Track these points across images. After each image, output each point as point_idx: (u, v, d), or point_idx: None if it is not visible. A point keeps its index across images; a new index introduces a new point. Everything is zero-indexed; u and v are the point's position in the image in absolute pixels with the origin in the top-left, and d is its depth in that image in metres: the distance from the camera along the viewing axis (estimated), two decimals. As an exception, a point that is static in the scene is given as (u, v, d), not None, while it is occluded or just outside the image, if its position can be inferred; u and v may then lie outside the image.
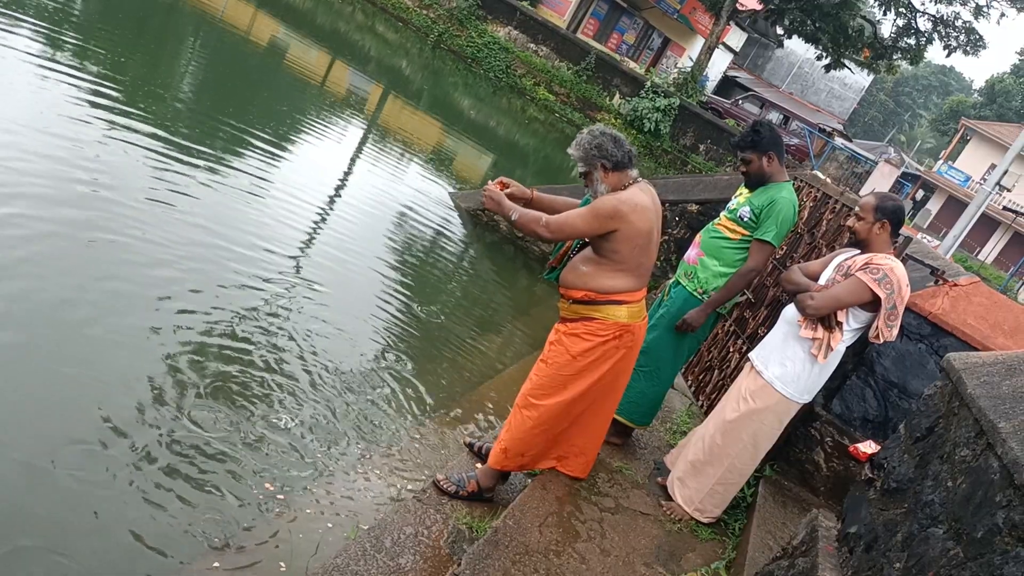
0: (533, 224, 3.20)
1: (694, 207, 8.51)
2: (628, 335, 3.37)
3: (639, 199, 3.24)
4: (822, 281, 3.74)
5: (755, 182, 4.11)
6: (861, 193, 22.10)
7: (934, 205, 41.52)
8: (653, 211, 3.31)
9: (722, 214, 4.24)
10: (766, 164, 4.06)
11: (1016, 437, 1.86)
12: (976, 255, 37.21)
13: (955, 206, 39.85)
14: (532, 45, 23.92)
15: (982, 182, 40.43)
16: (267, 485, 3.55)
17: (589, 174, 3.31)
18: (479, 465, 3.90)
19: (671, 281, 4.40)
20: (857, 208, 3.69)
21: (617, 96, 23.49)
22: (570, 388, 3.38)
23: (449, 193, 9.70)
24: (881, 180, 23.58)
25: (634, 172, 3.33)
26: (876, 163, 28.56)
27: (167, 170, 6.13)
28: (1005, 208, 35.98)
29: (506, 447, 3.51)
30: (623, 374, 3.50)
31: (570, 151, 3.33)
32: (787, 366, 3.65)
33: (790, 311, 3.75)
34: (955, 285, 4.09)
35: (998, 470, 1.84)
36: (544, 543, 3.19)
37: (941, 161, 46.84)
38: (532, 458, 3.58)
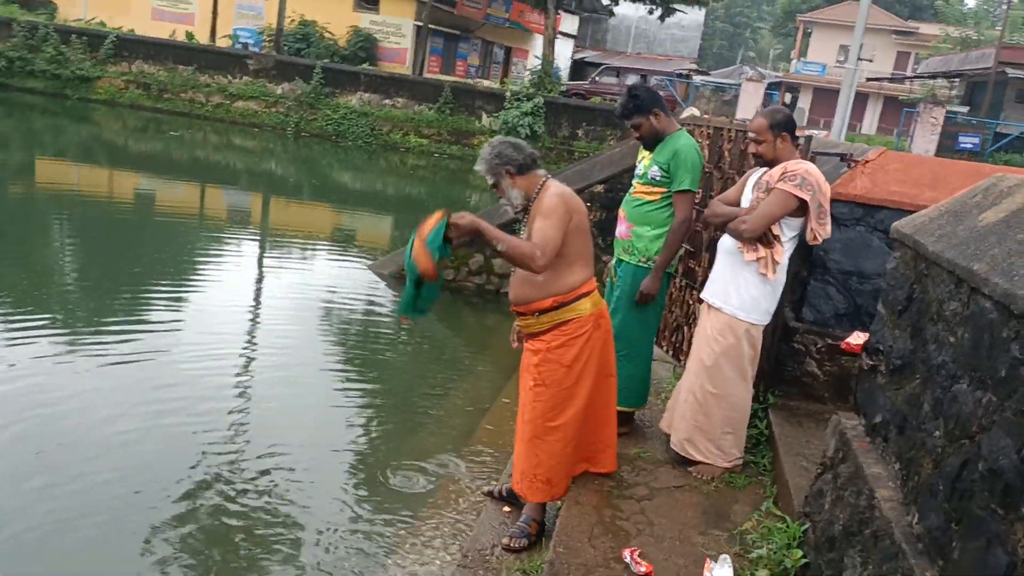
0: (527, 258, 3.09)
1: (600, 187, 8.62)
2: (602, 319, 3.45)
3: (565, 188, 3.34)
4: (744, 204, 3.83)
5: (652, 142, 4.17)
6: (738, 115, 22.80)
7: (805, 102, 43.04)
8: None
9: (634, 182, 4.29)
10: (655, 122, 4.13)
11: (995, 272, 1.90)
12: (859, 132, 38.68)
13: (825, 95, 41.45)
14: (387, 101, 24.00)
15: (839, 64, 42.16)
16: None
17: (498, 185, 3.37)
18: (504, 505, 3.85)
19: (612, 262, 4.42)
20: (752, 134, 3.78)
21: (484, 116, 23.72)
22: (579, 394, 3.39)
23: (367, 266, 9.61)
24: (751, 98, 24.36)
25: (541, 171, 3.37)
26: (739, 85, 29.49)
27: (80, 354, 5.93)
28: (869, 79, 37.52)
29: (548, 478, 3.46)
30: (611, 355, 3.55)
31: (477, 168, 3.39)
32: (743, 294, 3.72)
33: (726, 242, 3.82)
34: (867, 162, 4.22)
35: (992, 308, 1.87)
36: (601, 555, 3.13)
37: (795, 60, 48.72)
38: (569, 474, 3.57)
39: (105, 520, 3.97)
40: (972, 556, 1.76)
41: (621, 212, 4.32)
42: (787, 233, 3.64)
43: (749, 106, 24.06)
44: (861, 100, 41.03)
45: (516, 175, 3.32)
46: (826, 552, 2.52)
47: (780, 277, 3.69)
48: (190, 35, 27.57)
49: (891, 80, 39.71)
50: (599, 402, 3.52)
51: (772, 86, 36.93)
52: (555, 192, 3.26)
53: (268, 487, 4.37)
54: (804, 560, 2.62)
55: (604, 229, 8.82)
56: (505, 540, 3.54)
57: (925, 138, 21.87)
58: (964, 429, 1.92)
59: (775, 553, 2.73)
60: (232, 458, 4.67)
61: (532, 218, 3.29)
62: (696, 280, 5.14)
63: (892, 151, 4.34)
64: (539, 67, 26.56)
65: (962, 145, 24.36)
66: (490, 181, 3.39)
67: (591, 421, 3.53)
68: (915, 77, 38.44)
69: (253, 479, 4.44)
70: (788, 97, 45.58)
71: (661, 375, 5.17)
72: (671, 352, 5.43)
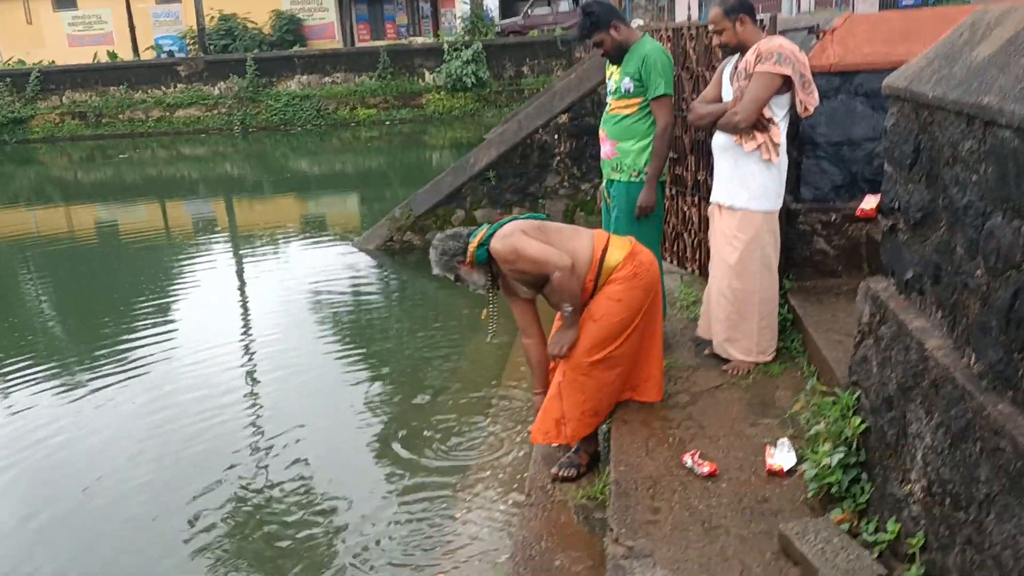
0: (565, 283, 3.32)
1: (564, 117, 8.55)
2: (639, 254, 3.49)
3: (500, 232, 3.43)
4: (727, 98, 3.81)
5: (617, 55, 4.12)
6: (679, 17, 22.53)
7: (739, -7, 42.58)
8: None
9: (608, 100, 4.25)
10: (616, 34, 4.08)
11: (1008, 100, 1.90)
12: (800, 11, 38.35)
13: (756, -18, 40.94)
14: (326, 79, 23.56)
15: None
16: None
17: (459, 277, 3.53)
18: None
19: (603, 185, 4.41)
20: (711, 25, 3.78)
21: (427, 73, 23.38)
22: (631, 323, 3.46)
23: (353, 244, 9.53)
24: (687, -1, 23.97)
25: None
26: (672, -12, 29.05)
27: (76, 382, 5.93)
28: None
29: (596, 410, 3.55)
30: (658, 295, 3.62)
31: (435, 272, 3.56)
32: (751, 185, 3.72)
33: (720, 139, 3.81)
34: (834, 30, 4.19)
35: (1013, 136, 1.87)
36: (663, 465, 3.18)
37: (720, -47, 47.99)
38: (613, 402, 3.65)
39: (123, 537, 4.04)
40: (1042, 379, 1.80)
41: (602, 132, 4.28)
42: (778, 112, 3.64)
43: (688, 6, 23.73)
44: (794, -22, 40.62)
45: (467, 261, 3.46)
46: (885, 413, 2.56)
47: (783, 159, 3.70)
48: (113, 54, 26.82)
49: (819, -48, 39.26)
50: (648, 334, 3.59)
51: (703, -17, 36.47)
52: (500, 245, 3.38)
53: (298, 478, 4.37)
54: (864, 425, 2.66)
55: (577, 158, 8.78)
56: (554, 470, 3.59)
57: (866, 1, 21.70)
58: (1007, 261, 1.94)
59: (832, 425, 2.77)
60: (252, 456, 4.68)
61: (509, 278, 3.49)
62: (686, 186, 5.13)
63: (857, 14, 4.31)
64: (469, 13, 26.07)
65: (904, 2, 24.23)
66: (452, 278, 3.55)
67: (640, 352, 3.59)
68: (842, -56, 38.04)
69: (279, 473, 4.44)
70: (721, -9, 45.21)
71: (671, 285, 5.19)
72: (675, 261, 5.45)
